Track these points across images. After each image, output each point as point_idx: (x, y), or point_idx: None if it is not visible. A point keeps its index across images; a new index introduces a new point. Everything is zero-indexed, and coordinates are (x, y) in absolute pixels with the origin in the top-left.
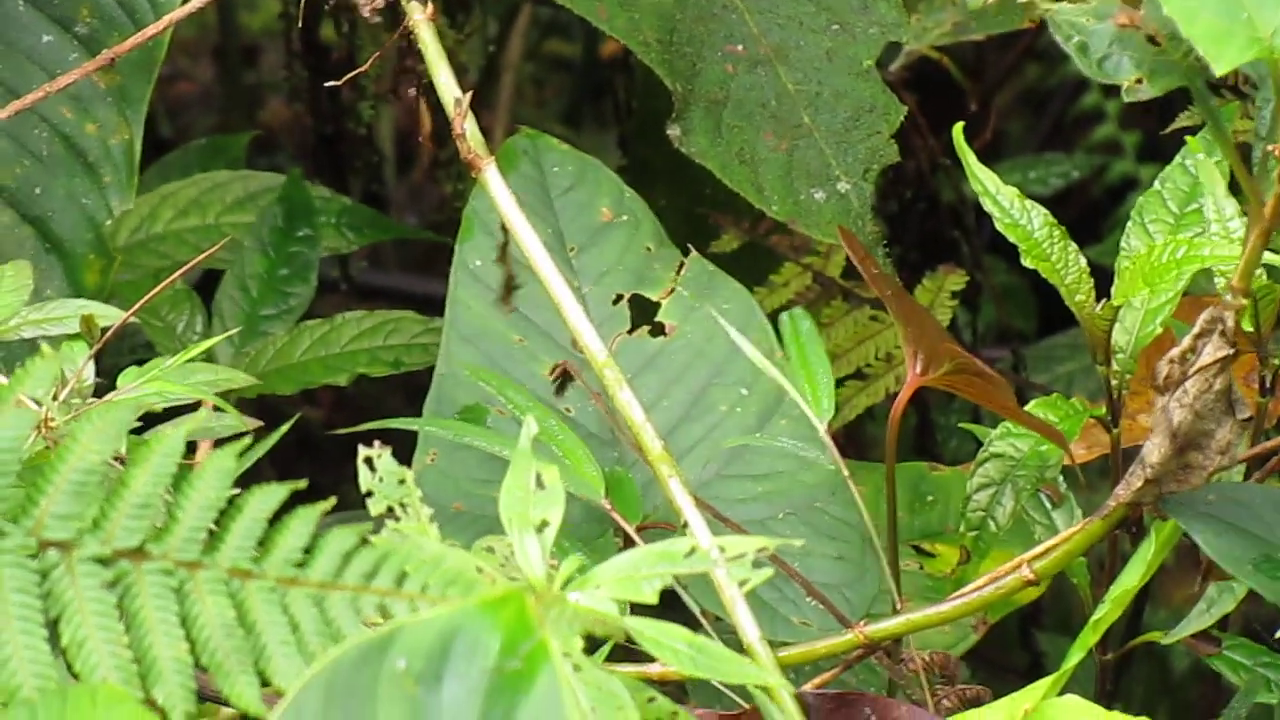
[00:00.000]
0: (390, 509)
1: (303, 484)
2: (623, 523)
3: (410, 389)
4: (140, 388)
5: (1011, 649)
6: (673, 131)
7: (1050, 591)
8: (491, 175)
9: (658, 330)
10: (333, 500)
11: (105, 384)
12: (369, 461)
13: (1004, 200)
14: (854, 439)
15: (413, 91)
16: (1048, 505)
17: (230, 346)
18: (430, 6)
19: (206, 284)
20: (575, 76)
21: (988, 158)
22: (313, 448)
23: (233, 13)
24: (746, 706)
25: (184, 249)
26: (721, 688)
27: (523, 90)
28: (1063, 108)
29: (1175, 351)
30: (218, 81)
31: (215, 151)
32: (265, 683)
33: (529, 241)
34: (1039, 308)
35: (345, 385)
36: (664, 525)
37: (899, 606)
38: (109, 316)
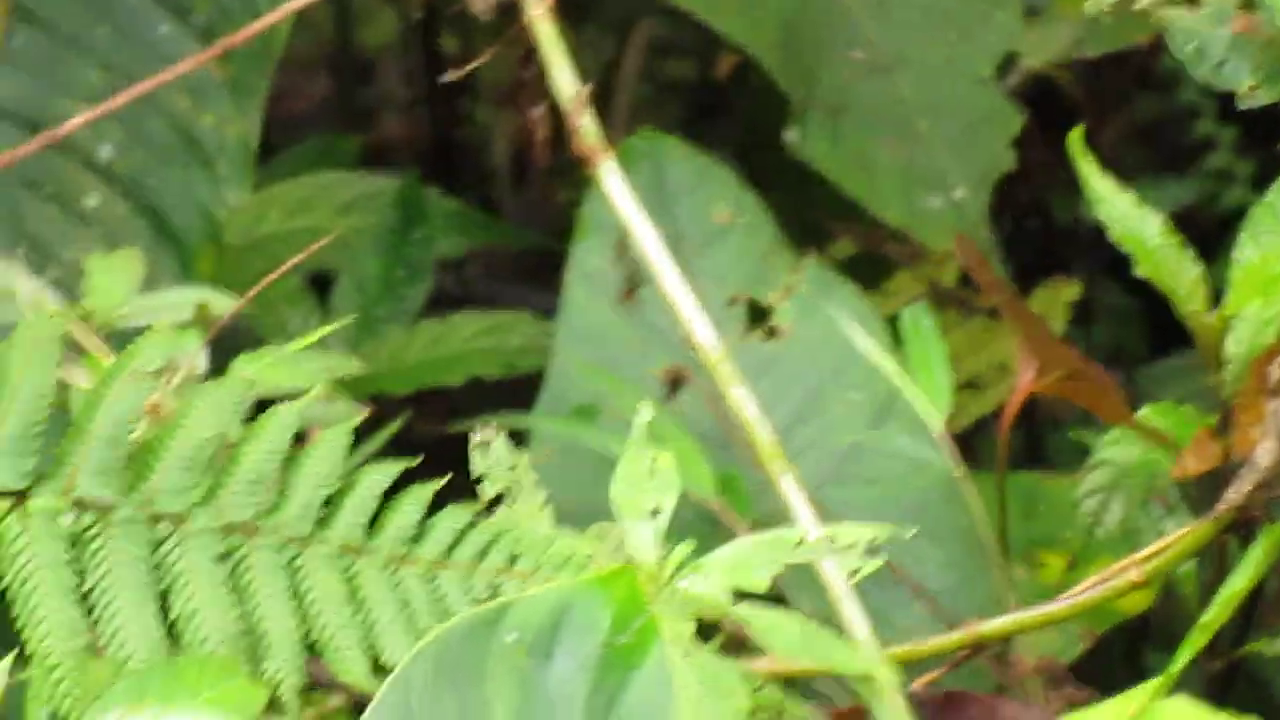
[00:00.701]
0: (502, 493)
1: (415, 461)
2: (733, 523)
3: (501, 395)
4: (243, 378)
5: (1117, 669)
6: (790, 136)
7: (1156, 614)
8: (609, 170)
9: (773, 333)
10: (447, 477)
11: (220, 373)
12: (482, 447)
13: (1119, 207)
14: (965, 450)
15: (528, 98)
16: (1159, 514)
17: (343, 343)
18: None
19: (321, 285)
20: (690, 96)
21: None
22: (410, 450)
23: (349, 25)
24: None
25: (292, 250)
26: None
27: (637, 112)
28: (1175, 137)
29: None
30: (332, 96)
31: (324, 154)
32: (374, 659)
33: (646, 240)
34: (1150, 332)
35: (458, 385)
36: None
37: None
38: (223, 304)
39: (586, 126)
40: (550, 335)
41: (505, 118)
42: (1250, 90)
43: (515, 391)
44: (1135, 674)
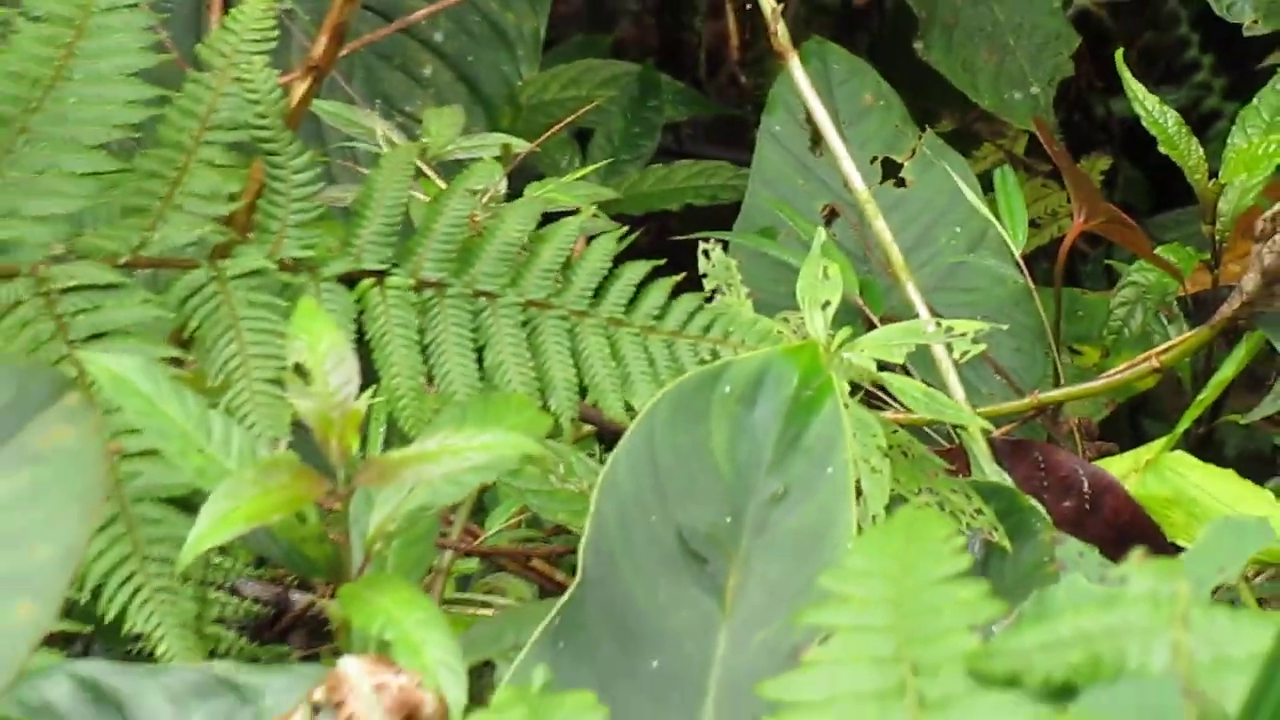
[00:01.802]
0: (719, 287)
1: (661, 262)
2: (870, 316)
3: (706, 219)
4: (538, 200)
5: (1122, 432)
6: (917, 45)
7: (1153, 395)
8: (795, 64)
9: (901, 183)
10: (682, 275)
11: (513, 195)
12: (706, 253)
13: (1149, 105)
14: (1029, 270)
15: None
16: (1165, 322)
17: (598, 179)
18: None
19: (581, 138)
20: (834, 16)
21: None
22: (647, 256)
23: None
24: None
25: (565, 112)
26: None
27: (797, 26)
28: (1169, 59)
29: (1268, 214)
30: (585, 5)
31: (587, 47)
32: (626, 402)
33: (819, 114)
34: (1152, 194)
35: (676, 210)
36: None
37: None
38: (518, 146)
39: (781, 33)
40: (743, 179)
41: (710, 26)
42: (1252, 23)
43: (717, 217)
44: (1137, 437)
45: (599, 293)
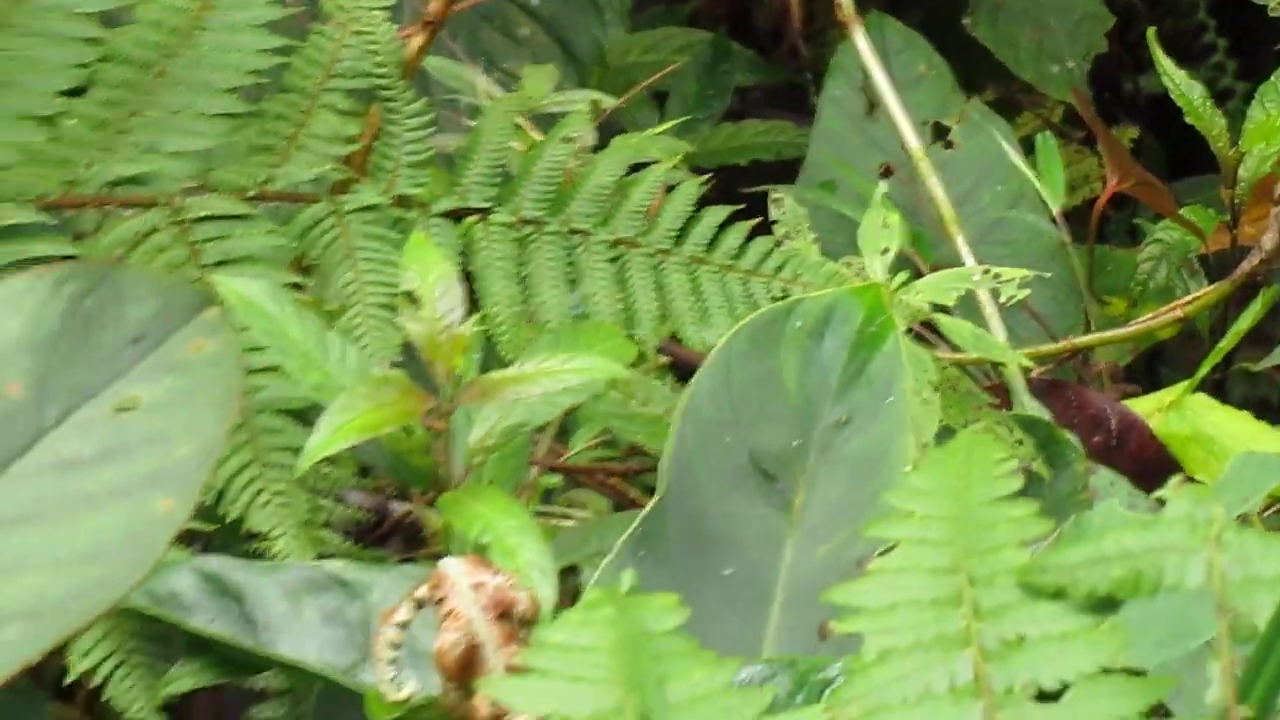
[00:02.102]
0: (788, 232)
1: (740, 207)
2: (920, 265)
3: (771, 174)
4: (627, 148)
5: (1141, 379)
6: (966, 21)
7: (1168, 344)
8: (859, 33)
9: (949, 145)
10: (757, 220)
11: (599, 147)
12: (777, 202)
13: (1178, 79)
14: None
15: None
16: (1186, 277)
17: (674, 134)
18: None
19: (658, 98)
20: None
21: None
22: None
23: None
24: None
25: (646, 74)
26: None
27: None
28: (1188, 42)
29: None
30: None
31: (667, 15)
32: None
33: (879, 78)
34: (1170, 164)
35: (743, 164)
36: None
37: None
38: (606, 101)
39: (847, 6)
40: (804, 137)
41: (774, 1)
42: (1275, 6)
43: (780, 171)
44: (1153, 382)
45: (682, 234)
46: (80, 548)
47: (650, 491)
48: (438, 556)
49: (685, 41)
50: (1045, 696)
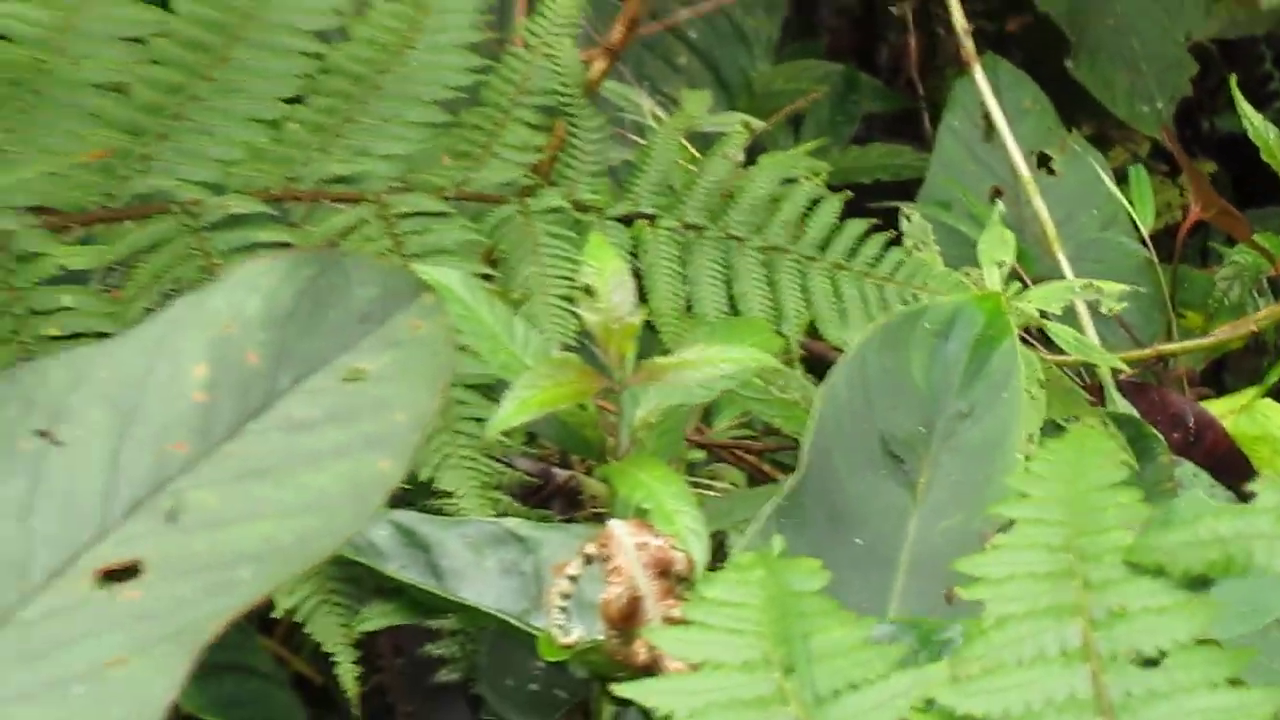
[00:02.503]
0: (916, 244)
1: (875, 221)
2: (1024, 276)
3: (891, 192)
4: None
5: (1209, 384)
6: (1068, 63)
7: (1233, 355)
8: (978, 71)
9: (1050, 173)
10: (893, 233)
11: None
12: (908, 217)
13: (1256, 121)
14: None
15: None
16: (1256, 296)
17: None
18: None
19: (794, 122)
20: (990, 40)
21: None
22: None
23: None
24: None
25: (786, 100)
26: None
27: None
28: (1257, 88)
29: None
30: (794, 15)
31: (804, 50)
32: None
33: (994, 111)
34: (1239, 196)
35: (868, 183)
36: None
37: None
38: (755, 124)
39: (969, 47)
40: (922, 161)
41: (894, 40)
42: None
43: (900, 191)
44: (1219, 389)
45: (827, 243)
46: (305, 500)
47: (782, 468)
48: (597, 518)
49: (821, 73)
50: (1146, 663)
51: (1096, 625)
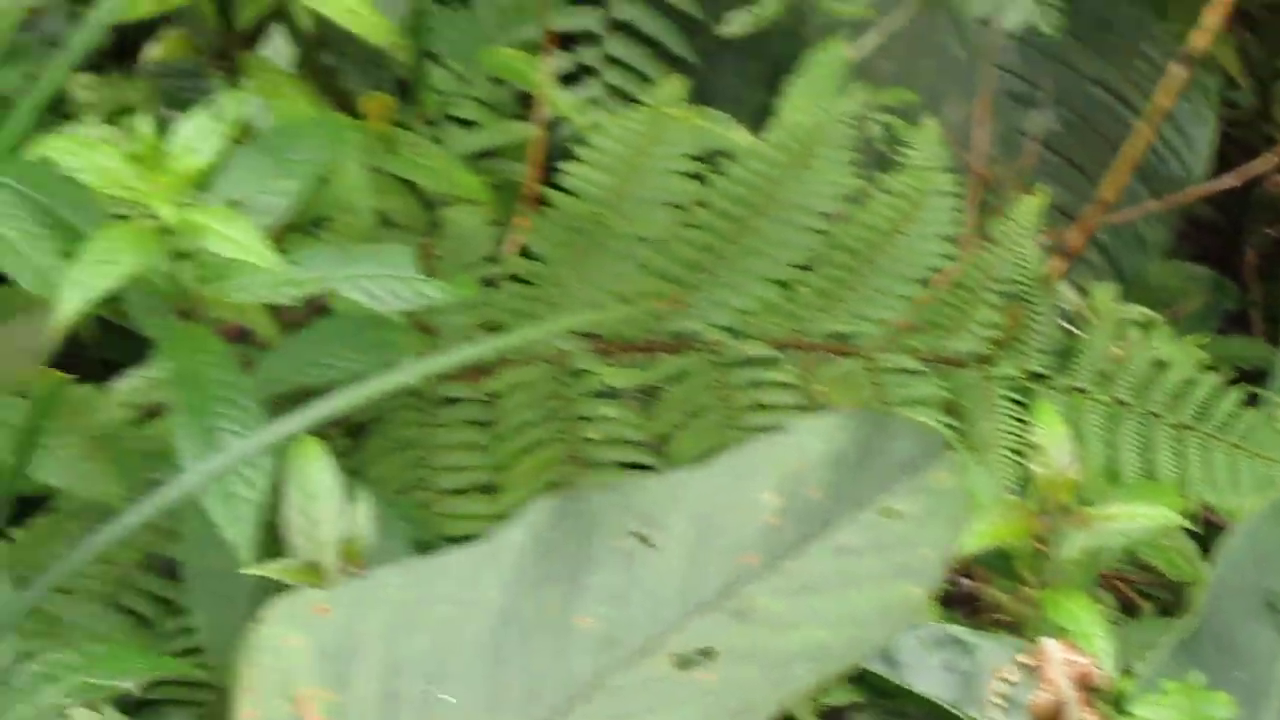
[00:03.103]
0: None
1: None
2: None
3: None
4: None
5: None
6: None
7: None
8: None
9: None
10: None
11: None
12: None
13: None
14: None
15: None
16: None
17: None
18: None
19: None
20: None
21: None
22: None
23: None
24: None
25: (1168, 296)
26: None
27: None
28: None
29: None
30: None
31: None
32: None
33: None
34: None
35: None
36: None
37: None
38: (1153, 316)
39: None
40: (1268, 353)
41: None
42: None
43: (1245, 377)
44: None
45: (1226, 424)
46: (849, 613)
47: (1148, 598)
48: (997, 624)
49: (1189, 274)
50: None
51: None
